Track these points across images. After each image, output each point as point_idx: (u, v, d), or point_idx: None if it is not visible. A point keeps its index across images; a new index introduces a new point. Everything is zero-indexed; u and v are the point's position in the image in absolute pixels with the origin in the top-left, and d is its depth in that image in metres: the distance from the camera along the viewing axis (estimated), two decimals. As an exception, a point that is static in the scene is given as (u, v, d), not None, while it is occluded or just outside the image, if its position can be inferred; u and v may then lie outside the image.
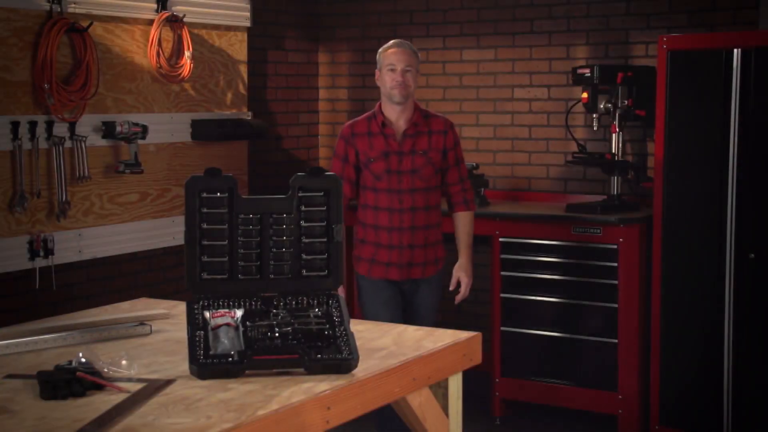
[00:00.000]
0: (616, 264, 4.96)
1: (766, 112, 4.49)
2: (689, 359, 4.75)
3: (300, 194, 2.68)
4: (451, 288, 4.43)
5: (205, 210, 2.63)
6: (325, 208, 2.69)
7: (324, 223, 2.69)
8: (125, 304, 3.31)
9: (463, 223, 4.38)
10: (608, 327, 5.00)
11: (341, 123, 6.42)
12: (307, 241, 2.69)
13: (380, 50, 4.33)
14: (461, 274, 4.38)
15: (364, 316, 4.32)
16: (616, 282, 4.96)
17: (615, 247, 4.95)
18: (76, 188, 4.69)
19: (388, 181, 4.25)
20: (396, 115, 4.28)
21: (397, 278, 4.31)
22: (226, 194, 2.64)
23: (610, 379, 5.01)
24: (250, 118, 5.68)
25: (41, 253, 4.52)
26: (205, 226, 2.63)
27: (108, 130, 4.77)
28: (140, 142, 4.92)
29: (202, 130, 5.34)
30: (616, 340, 4.96)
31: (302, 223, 2.69)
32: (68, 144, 4.62)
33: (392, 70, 4.23)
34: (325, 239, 2.69)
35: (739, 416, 4.61)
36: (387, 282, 4.33)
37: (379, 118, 4.28)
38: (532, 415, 5.37)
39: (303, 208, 2.69)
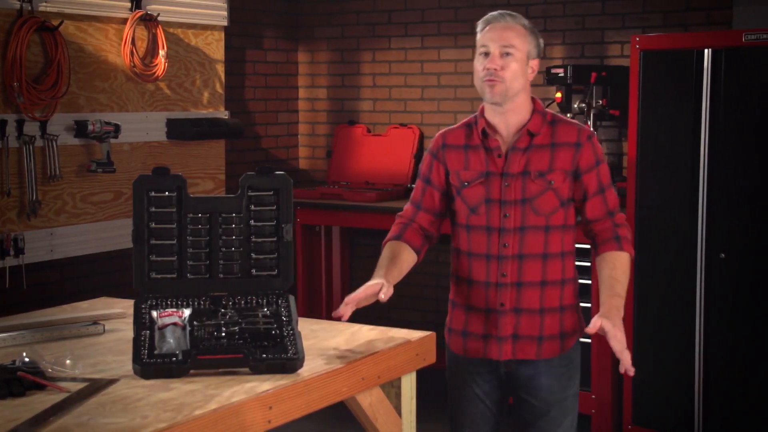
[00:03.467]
0: (589, 263, 4.94)
1: (736, 112, 4.49)
2: (661, 359, 4.75)
3: (249, 193, 2.68)
4: (587, 330, 2.72)
5: (153, 209, 2.63)
6: (274, 208, 2.69)
7: (273, 223, 2.69)
8: (84, 303, 3.31)
9: (608, 264, 2.87)
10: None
11: (321, 123, 6.46)
12: (256, 240, 2.68)
13: (479, 24, 2.94)
14: (603, 320, 2.68)
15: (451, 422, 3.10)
16: (589, 281, 4.95)
17: (588, 246, 4.92)
18: (48, 187, 4.69)
19: (487, 216, 2.89)
20: (499, 118, 2.89)
21: (496, 357, 2.92)
22: (175, 193, 2.64)
23: (583, 379, 4.97)
24: (227, 117, 5.68)
25: (11, 252, 4.51)
26: (153, 225, 2.63)
27: (80, 129, 4.77)
28: (114, 141, 4.92)
29: (177, 130, 5.33)
30: (589, 340, 4.95)
31: (252, 222, 2.68)
32: (39, 143, 4.61)
33: (485, 54, 2.85)
34: (274, 238, 2.69)
35: (710, 415, 4.60)
36: (488, 372, 2.98)
37: (480, 124, 2.92)
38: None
39: (252, 207, 2.68)
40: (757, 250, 4.47)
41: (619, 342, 2.67)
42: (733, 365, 4.56)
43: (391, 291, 2.73)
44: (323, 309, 6.23)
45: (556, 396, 2.94)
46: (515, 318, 2.89)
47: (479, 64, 2.86)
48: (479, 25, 2.91)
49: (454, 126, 3.01)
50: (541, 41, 2.91)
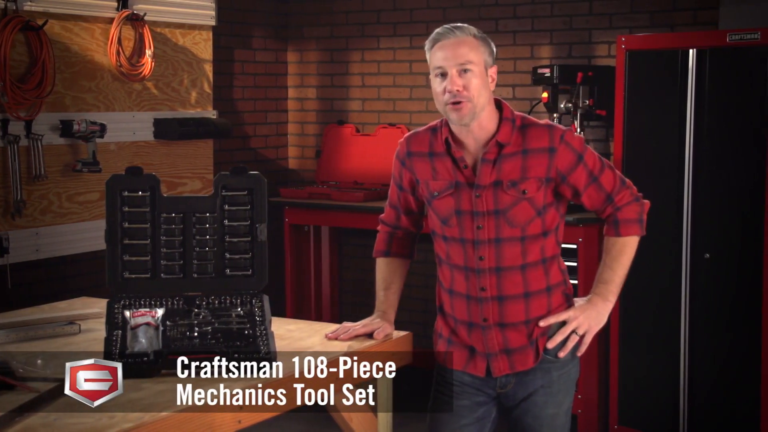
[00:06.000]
0: (575, 263, 4.95)
1: (720, 112, 4.48)
2: (647, 359, 4.75)
3: (223, 193, 2.68)
4: (542, 323, 2.78)
5: (126, 209, 2.63)
6: (248, 207, 2.70)
7: (248, 222, 2.70)
8: (62, 303, 3.31)
9: (604, 252, 2.85)
10: (568, 327, 4.98)
11: (310, 122, 6.45)
12: (230, 240, 2.69)
13: (426, 43, 2.76)
14: (572, 313, 2.80)
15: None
16: (575, 282, 4.95)
17: (575, 246, 4.94)
18: (33, 187, 4.68)
19: (459, 228, 2.76)
20: (466, 134, 2.74)
21: (483, 374, 2.81)
22: (148, 193, 2.64)
23: (570, 379, 5.00)
24: (215, 117, 5.68)
25: (-4, 252, 4.52)
26: (126, 225, 2.63)
27: (65, 128, 4.77)
28: (101, 141, 4.92)
29: (164, 129, 5.33)
30: (575, 340, 4.95)
31: (226, 222, 2.69)
32: (24, 142, 4.61)
33: (441, 74, 2.68)
34: (249, 238, 2.69)
35: (695, 415, 4.61)
36: (473, 385, 2.85)
37: (444, 133, 2.78)
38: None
39: (226, 207, 2.69)
40: (742, 251, 4.47)
41: (569, 333, 2.79)
42: (718, 365, 4.56)
43: (389, 330, 2.86)
44: (312, 309, 6.23)
45: (549, 411, 2.83)
46: (501, 333, 2.76)
47: (438, 87, 2.68)
48: (427, 44, 2.72)
49: (420, 130, 2.85)
50: (494, 47, 2.73)
